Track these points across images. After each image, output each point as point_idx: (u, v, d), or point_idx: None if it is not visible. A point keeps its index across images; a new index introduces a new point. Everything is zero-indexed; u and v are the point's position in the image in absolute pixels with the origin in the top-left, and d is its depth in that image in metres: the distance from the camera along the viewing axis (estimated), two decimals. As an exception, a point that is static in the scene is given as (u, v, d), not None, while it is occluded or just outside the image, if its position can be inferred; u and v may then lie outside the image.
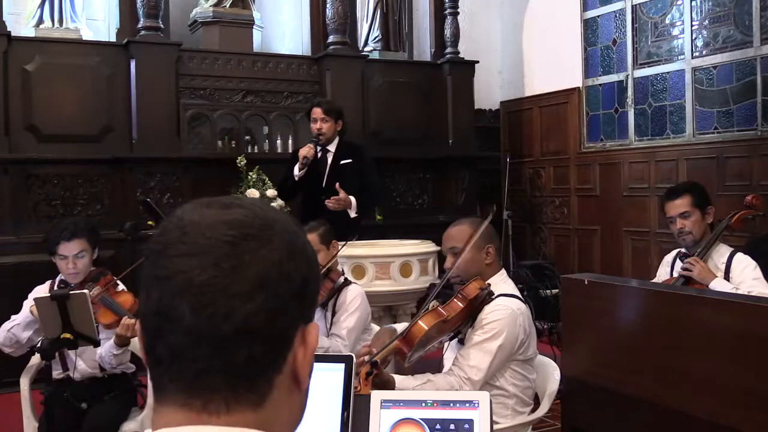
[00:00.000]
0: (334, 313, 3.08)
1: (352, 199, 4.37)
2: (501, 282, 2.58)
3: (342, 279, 3.17)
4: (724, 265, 3.11)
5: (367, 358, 2.18)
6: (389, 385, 2.21)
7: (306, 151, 4.43)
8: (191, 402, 0.70)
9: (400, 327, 2.65)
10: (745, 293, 2.90)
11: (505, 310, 2.44)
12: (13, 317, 3.01)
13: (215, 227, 0.71)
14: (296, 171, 4.44)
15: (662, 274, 3.39)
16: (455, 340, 2.59)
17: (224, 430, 0.69)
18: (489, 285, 2.42)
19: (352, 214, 4.37)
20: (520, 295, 2.58)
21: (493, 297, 2.44)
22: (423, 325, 2.22)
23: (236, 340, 0.69)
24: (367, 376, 2.05)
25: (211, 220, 0.72)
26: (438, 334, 2.34)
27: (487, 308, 2.43)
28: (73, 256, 3.00)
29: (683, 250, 3.27)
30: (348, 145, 4.62)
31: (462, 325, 2.43)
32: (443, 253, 2.62)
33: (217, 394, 0.69)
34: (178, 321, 0.69)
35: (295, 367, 0.74)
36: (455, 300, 2.33)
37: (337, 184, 4.33)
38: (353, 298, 3.07)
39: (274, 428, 0.72)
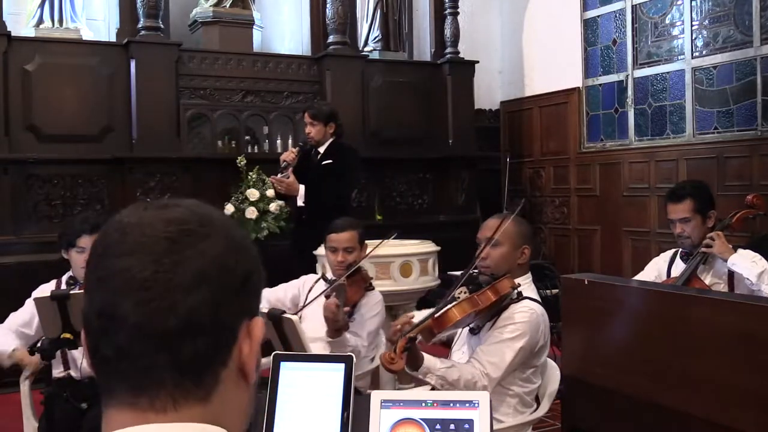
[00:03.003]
0: (352, 313, 3.09)
1: (302, 187, 4.43)
2: (526, 285, 2.58)
3: (369, 282, 3.21)
4: (725, 264, 3.09)
5: (399, 335, 2.23)
6: (419, 361, 2.27)
7: (286, 155, 4.53)
8: (138, 401, 0.70)
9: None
10: (763, 268, 2.91)
11: (532, 313, 2.46)
12: (12, 315, 3.00)
13: (154, 225, 0.72)
14: (279, 174, 4.51)
15: (660, 268, 3.37)
16: (467, 333, 2.63)
17: (171, 427, 0.69)
18: (519, 285, 2.44)
19: (299, 202, 4.45)
20: (541, 301, 2.59)
21: (521, 298, 2.47)
22: (457, 312, 2.26)
23: (181, 333, 0.69)
24: (404, 350, 2.13)
25: (149, 220, 0.73)
26: (465, 321, 2.39)
27: (515, 307, 2.46)
28: None
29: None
30: (336, 147, 4.65)
31: (482, 318, 2.47)
32: (478, 241, 2.61)
33: (163, 390, 0.70)
34: (122, 319, 0.69)
35: (242, 360, 0.75)
36: (488, 292, 2.35)
37: (290, 169, 4.42)
38: (377, 303, 3.12)
39: (223, 422, 0.73)
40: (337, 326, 2.80)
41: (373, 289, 3.21)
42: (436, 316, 2.28)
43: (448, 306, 2.30)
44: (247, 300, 0.76)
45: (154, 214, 0.74)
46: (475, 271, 2.57)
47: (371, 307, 3.09)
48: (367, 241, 3.20)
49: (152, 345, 0.69)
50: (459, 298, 2.36)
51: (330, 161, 4.55)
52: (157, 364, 0.69)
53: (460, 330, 2.67)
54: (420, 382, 2.42)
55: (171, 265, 0.70)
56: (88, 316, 0.72)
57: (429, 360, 2.30)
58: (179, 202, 0.76)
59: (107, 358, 0.71)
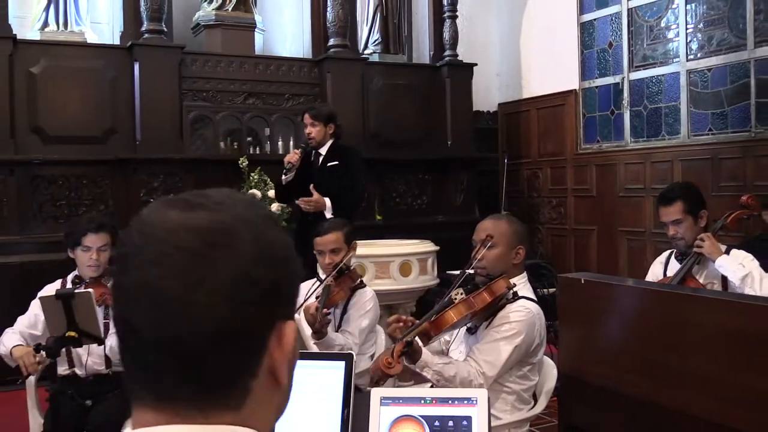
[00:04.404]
0: (345, 311, 3.13)
1: (327, 200, 4.44)
2: (522, 285, 2.60)
3: (359, 280, 3.23)
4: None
5: (399, 334, 2.27)
6: (417, 355, 2.29)
7: (290, 156, 4.57)
8: (163, 409, 0.68)
9: None
10: (748, 272, 2.94)
11: (527, 312, 2.48)
12: (19, 318, 3.03)
13: (177, 234, 0.68)
14: (283, 176, 4.57)
15: (656, 272, 3.40)
16: (464, 332, 2.65)
17: (204, 428, 0.68)
18: (514, 285, 2.46)
19: (328, 215, 4.43)
20: (537, 300, 2.61)
21: (517, 298, 2.49)
22: (453, 314, 2.29)
23: (203, 351, 0.67)
24: (401, 354, 2.16)
25: (173, 225, 0.69)
26: (462, 323, 2.41)
27: (511, 307, 2.48)
28: (97, 248, 3.04)
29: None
30: (339, 148, 4.69)
31: (478, 318, 2.49)
32: (473, 243, 2.64)
33: (187, 403, 0.68)
34: (140, 333, 0.67)
35: (273, 366, 0.72)
36: (484, 293, 2.38)
37: (312, 186, 4.44)
38: (368, 300, 3.13)
39: (255, 425, 0.71)
40: (314, 328, 2.81)
41: (365, 286, 3.22)
42: (432, 319, 2.30)
43: (445, 309, 2.32)
44: (276, 307, 0.73)
45: (178, 217, 0.70)
46: (471, 272, 2.59)
47: (362, 305, 3.11)
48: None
49: (173, 361, 0.67)
50: (455, 299, 2.37)
51: (336, 162, 4.59)
52: (179, 380, 0.68)
53: (457, 330, 2.67)
54: (419, 380, 2.43)
55: (193, 281, 0.67)
56: (115, 320, 0.72)
57: (427, 355, 2.32)
58: (207, 201, 0.72)
59: (129, 366, 0.70)
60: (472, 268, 2.59)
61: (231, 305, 0.68)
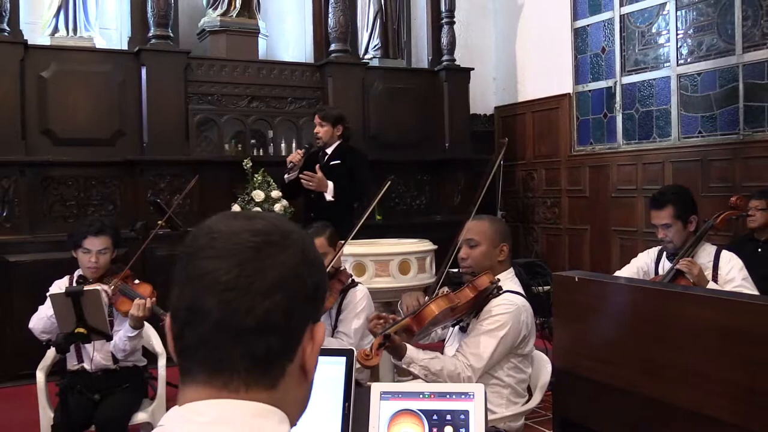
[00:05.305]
0: (339, 312, 3.17)
1: (330, 184, 4.60)
2: (508, 280, 2.67)
3: (350, 280, 3.26)
4: (711, 263, 3.17)
5: (379, 329, 2.33)
6: (401, 351, 2.34)
7: (292, 156, 4.75)
8: (213, 382, 0.79)
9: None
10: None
11: (512, 305, 2.54)
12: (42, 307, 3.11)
13: (240, 234, 0.82)
14: (286, 175, 4.72)
15: (647, 262, 3.45)
16: (458, 330, 2.71)
17: (243, 403, 0.79)
18: (498, 280, 2.54)
19: (328, 197, 4.61)
20: (524, 294, 2.67)
21: (501, 292, 2.56)
22: (434, 308, 2.33)
23: (256, 331, 0.79)
24: (379, 347, 2.22)
25: (237, 229, 0.83)
26: (445, 318, 2.46)
27: (495, 301, 2.54)
28: (96, 251, 3.12)
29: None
30: (343, 148, 4.84)
31: (467, 314, 2.56)
32: (458, 245, 2.71)
33: (237, 376, 0.79)
34: (206, 315, 0.78)
35: (304, 359, 0.84)
36: (466, 289, 2.45)
37: (317, 166, 4.61)
38: (360, 299, 3.17)
39: (284, 408, 0.81)
40: None
41: (356, 285, 3.24)
42: (414, 315, 2.33)
43: (426, 304, 2.36)
44: (314, 308, 0.86)
45: (241, 224, 0.84)
46: (455, 270, 2.67)
47: (355, 305, 3.15)
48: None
49: (231, 339, 0.79)
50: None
51: (338, 162, 4.74)
52: (233, 355, 0.79)
53: (450, 329, 2.75)
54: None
55: (252, 272, 0.79)
56: (177, 308, 0.82)
57: (412, 351, 2.35)
58: (264, 216, 0.87)
59: (190, 346, 0.81)
60: (460, 268, 2.67)
61: (283, 295, 0.80)
